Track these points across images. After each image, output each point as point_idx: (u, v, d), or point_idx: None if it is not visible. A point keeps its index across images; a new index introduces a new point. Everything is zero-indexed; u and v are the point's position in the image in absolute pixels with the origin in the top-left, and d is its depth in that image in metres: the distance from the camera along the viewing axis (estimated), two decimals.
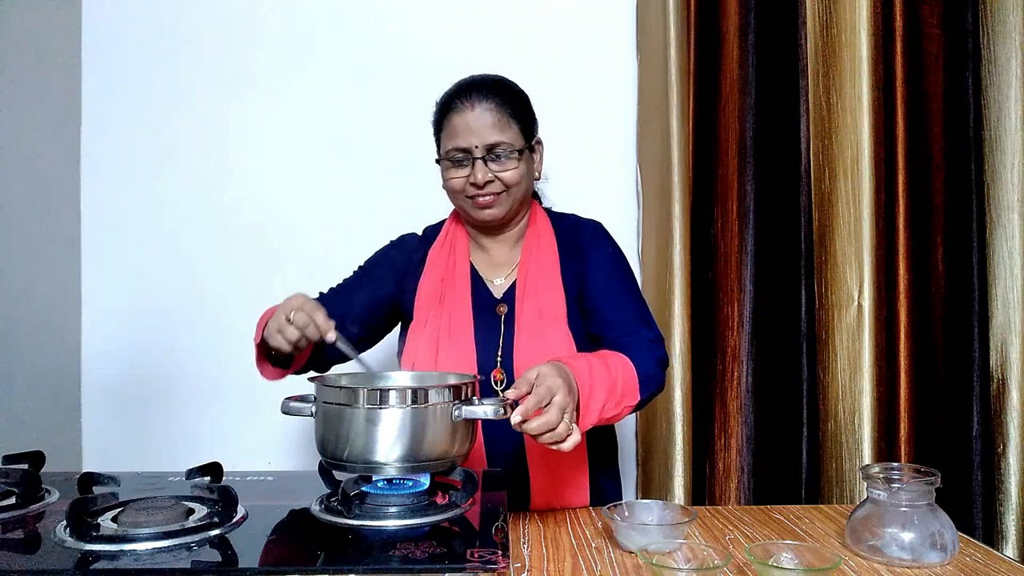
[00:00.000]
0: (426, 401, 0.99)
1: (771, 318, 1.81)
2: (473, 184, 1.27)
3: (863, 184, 1.77)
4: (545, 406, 0.99)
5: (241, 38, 1.95)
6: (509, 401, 1.00)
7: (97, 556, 0.82)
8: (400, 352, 1.37)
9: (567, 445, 1.00)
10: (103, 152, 1.95)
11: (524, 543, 1.06)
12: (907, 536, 0.99)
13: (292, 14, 1.95)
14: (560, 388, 1.00)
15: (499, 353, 1.28)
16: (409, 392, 0.99)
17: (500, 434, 1.24)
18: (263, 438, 1.84)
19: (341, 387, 1.01)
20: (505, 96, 1.31)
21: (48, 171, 1.84)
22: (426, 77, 1.94)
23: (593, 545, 1.05)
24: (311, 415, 1.04)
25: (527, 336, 1.27)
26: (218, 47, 1.95)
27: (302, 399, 1.07)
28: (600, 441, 1.35)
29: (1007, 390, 1.77)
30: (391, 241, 1.47)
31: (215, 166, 1.96)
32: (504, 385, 1.27)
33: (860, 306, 1.76)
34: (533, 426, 0.98)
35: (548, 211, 1.44)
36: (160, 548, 0.84)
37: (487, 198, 1.29)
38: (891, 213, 1.79)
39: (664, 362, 1.26)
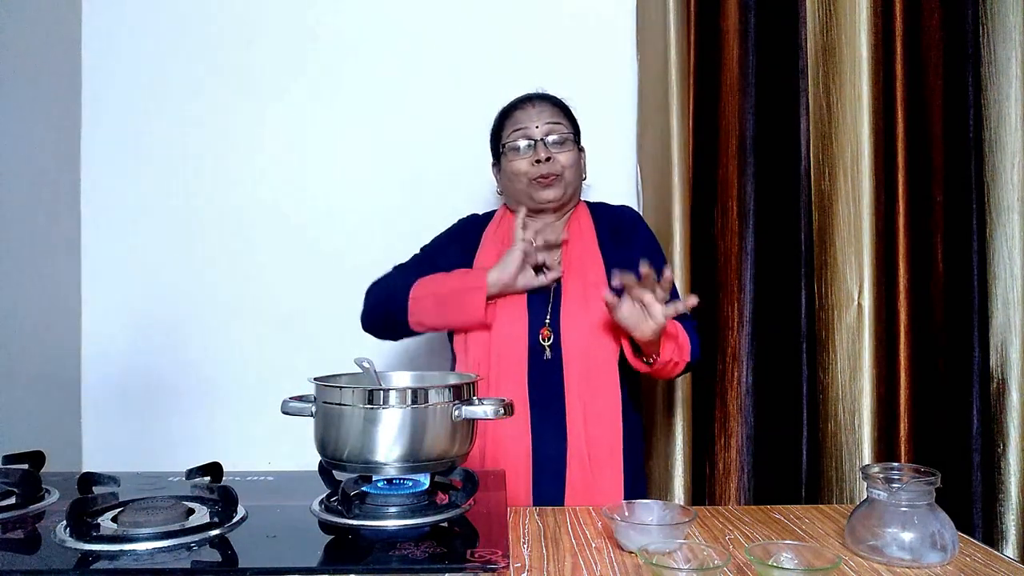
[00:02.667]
0: (426, 401, 0.99)
1: (771, 318, 1.81)
2: (537, 161, 1.43)
3: (863, 184, 1.77)
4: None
5: (241, 35, 1.95)
6: (507, 401, 1.01)
7: (97, 556, 0.82)
8: None
9: (656, 315, 1.23)
10: (103, 152, 1.95)
11: (524, 543, 1.06)
12: (907, 536, 0.99)
13: (294, 13, 1.96)
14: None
15: (547, 316, 1.41)
16: (409, 392, 1.00)
17: (547, 433, 1.34)
18: (263, 438, 1.84)
19: (341, 387, 1.01)
20: (557, 101, 1.52)
21: (48, 171, 1.84)
22: (426, 77, 1.95)
23: (593, 545, 1.05)
24: (311, 415, 1.04)
25: (574, 302, 1.40)
26: (218, 45, 1.95)
27: (302, 399, 1.07)
28: (632, 431, 1.42)
29: (1007, 390, 1.77)
30: (459, 220, 1.61)
31: (215, 167, 1.96)
32: (551, 341, 1.39)
33: (860, 306, 1.76)
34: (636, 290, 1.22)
35: (583, 201, 1.59)
36: (160, 548, 0.84)
37: (549, 178, 1.44)
38: (891, 213, 1.79)
39: (698, 346, 1.42)
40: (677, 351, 1.33)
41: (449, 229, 1.60)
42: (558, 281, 1.45)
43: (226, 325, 1.94)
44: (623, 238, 1.50)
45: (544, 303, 1.43)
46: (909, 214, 1.79)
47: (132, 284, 1.95)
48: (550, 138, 1.45)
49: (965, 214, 1.78)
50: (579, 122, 1.54)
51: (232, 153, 1.96)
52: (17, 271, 1.71)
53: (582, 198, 1.59)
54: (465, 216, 1.62)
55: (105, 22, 1.95)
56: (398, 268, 1.52)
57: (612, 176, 1.94)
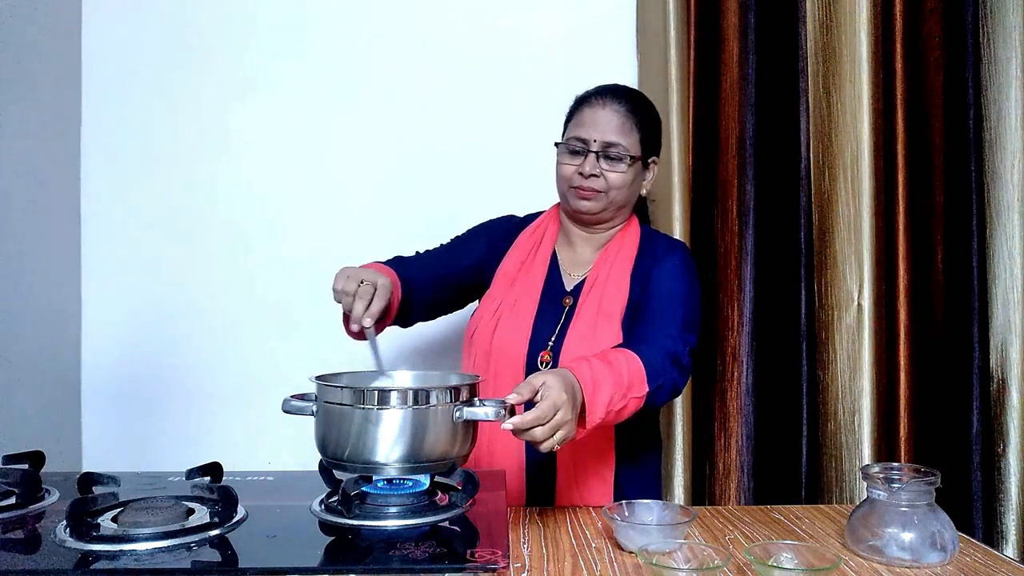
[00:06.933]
0: (427, 402, 0.99)
1: (771, 318, 1.81)
2: (580, 173, 1.36)
3: (863, 184, 1.77)
4: (545, 423, 0.99)
5: (242, 39, 1.95)
6: (509, 405, 1.00)
7: (97, 556, 0.82)
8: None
9: (544, 447, 1.01)
10: (103, 152, 1.95)
11: (524, 543, 1.06)
12: (907, 536, 0.99)
13: (292, 15, 1.95)
14: (564, 404, 1.01)
15: (552, 339, 1.34)
16: (410, 393, 0.99)
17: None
18: (263, 438, 1.84)
19: (342, 387, 1.01)
20: (636, 105, 1.40)
21: (48, 171, 1.84)
22: (427, 78, 1.95)
23: (593, 545, 1.05)
24: (312, 415, 1.04)
25: (580, 329, 1.33)
26: (219, 47, 1.95)
27: (303, 398, 1.07)
28: (630, 437, 1.35)
29: (1007, 390, 1.77)
30: (496, 217, 1.55)
31: (215, 167, 1.95)
32: (549, 366, 1.32)
33: (860, 306, 1.76)
34: (524, 436, 1.00)
35: (643, 227, 1.47)
36: (160, 548, 0.84)
37: (587, 191, 1.37)
38: (891, 213, 1.79)
39: (679, 359, 1.24)
40: (619, 396, 1.11)
41: (479, 227, 1.53)
42: (575, 303, 1.38)
43: (226, 324, 1.94)
44: (653, 262, 1.39)
45: (555, 321, 1.37)
46: (909, 214, 1.79)
47: (132, 284, 1.95)
48: (605, 154, 1.35)
49: (965, 214, 1.79)
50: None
51: (233, 154, 1.95)
52: (17, 271, 1.71)
53: (649, 224, 1.51)
54: (501, 216, 1.55)
55: (105, 22, 1.95)
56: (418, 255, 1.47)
57: None
